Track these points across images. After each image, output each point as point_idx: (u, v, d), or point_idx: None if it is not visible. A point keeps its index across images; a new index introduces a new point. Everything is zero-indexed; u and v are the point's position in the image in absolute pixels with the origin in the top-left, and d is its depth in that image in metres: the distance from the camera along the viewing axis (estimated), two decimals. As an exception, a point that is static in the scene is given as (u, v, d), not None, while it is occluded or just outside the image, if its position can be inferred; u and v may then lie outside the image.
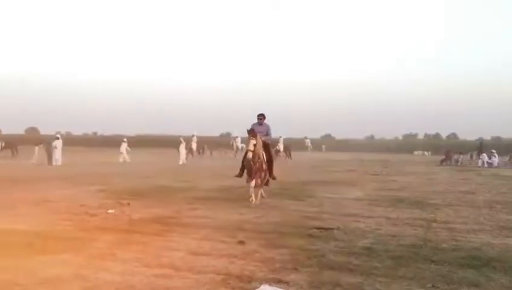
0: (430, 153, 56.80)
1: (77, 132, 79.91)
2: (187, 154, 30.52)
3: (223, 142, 49.57)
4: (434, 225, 8.36)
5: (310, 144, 56.80)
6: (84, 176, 17.43)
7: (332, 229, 7.75)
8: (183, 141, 29.51)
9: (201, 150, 39.65)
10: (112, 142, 50.80)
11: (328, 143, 68.75)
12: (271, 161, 11.55)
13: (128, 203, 10.05)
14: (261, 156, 10.86)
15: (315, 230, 7.63)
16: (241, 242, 6.65)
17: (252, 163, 10.66)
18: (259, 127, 11.37)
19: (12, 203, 10.05)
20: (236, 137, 42.04)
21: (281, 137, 38.13)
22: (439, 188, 15.26)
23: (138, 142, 53.66)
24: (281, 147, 37.16)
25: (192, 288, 4.70)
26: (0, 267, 5.29)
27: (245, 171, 11.18)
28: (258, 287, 4.55)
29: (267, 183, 11.61)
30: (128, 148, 30.53)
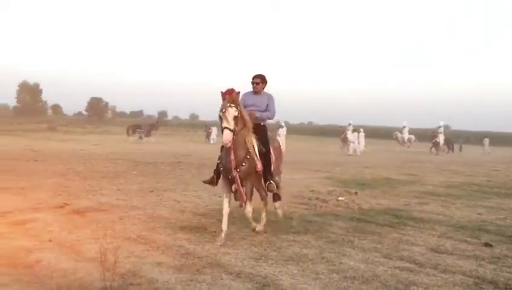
0: None
1: (294, 121, 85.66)
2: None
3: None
4: None
5: None
6: (307, 163, 18.32)
7: None
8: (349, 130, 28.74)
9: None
10: (327, 132, 52.54)
11: None
12: (268, 158, 6.29)
13: (356, 193, 10.15)
14: (251, 148, 5.93)
15: None
16: (488, 244, 6.05)
17: (232, 162, 5.76)
18: (254, 97, 6.48)
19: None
20: (404, 127, 36.38)
21: (440, 127, 32.67)
22: None
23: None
24: (441, 139, 31.86)
25: (441, 287, 4.44)
26: (252, 241, 5.89)
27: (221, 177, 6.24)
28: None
29: (276, 198, 6.63)
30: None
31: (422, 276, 4.73)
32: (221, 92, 5.76)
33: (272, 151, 6.46)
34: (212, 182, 6.32)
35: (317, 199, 9.26)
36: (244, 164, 5.81)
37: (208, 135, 37.26)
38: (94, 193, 9.21)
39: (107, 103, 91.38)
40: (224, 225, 5.90)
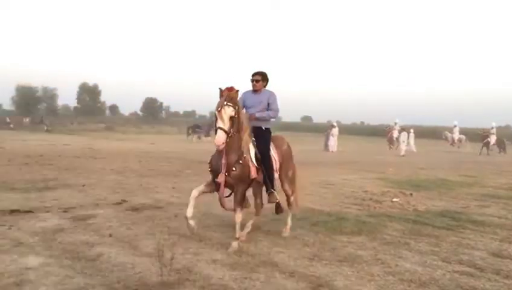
0: None
1: (346, 121, 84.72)
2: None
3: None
4: None
5: None
6: (360, 164, 18.01)
7: None
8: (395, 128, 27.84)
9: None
10: (379, 132, 51.44)
11: None
12: (269, 164, 5.77)
13: (411, 194, 9.87)
14: (245, 152, 5.49)
15: None
16: (556, 251, 5.72)
17: (223, 166, 5.33)
18: (254, 96, 5.99)
19: (304, 184, 11.09)
20: (455, 126, 33.82)
21: (493, 128, 30.68)
22: None
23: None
24: (492, 139, 29.37)
25: (505, 294, 4.25)
26: (305, 241, 5.86)
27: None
28: None
29: (278, 210, 6.14)
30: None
31: (484, 281, 4.54)
32: (220, 89, 5.34)
33: (275, 156, 5.97)
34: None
35: (370, 199, 9.08)
36: (234, 168, 5.34)
37: None
38: (150, 190, 9.47)
39: (161, 103, 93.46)
40: (189, 211, 5.33)
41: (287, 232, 6.18)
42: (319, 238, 6.02)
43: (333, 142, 26.76)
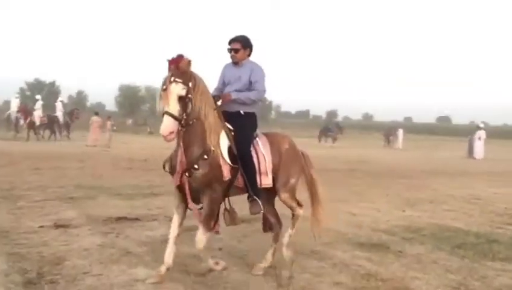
0: None
1: (494, 122, 79.55)
2: None
3: None
4: None
5: None
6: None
7: None
8: None
9: None
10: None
11: None
12: (250, 162, 5.05)
13: None
14: (213, 144, 4.75)
15: None
16: None
17: (181, 164, 4.70)
18: (233, 70, 5.34)
19: (443, 198, 10.68)
20: None
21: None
22: None
23: None
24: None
25: None
26: (447, 266, 5.62)
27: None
28: None
29: (265, 227, 5.80)
30: None
31: None
32: (168, 60, 4.64)
33: (264, 153, 5.17)
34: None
35: (531, 219, 8.49)
36: (197, 166, 4.65)
37: (394, 138, 39.29)
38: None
39: (270, 102, 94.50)
40: (168, 255, 4.92)
41: (264, 264, 5.38)
42: (465, 263, 5.75)
43: (480, 147, 25.32)
